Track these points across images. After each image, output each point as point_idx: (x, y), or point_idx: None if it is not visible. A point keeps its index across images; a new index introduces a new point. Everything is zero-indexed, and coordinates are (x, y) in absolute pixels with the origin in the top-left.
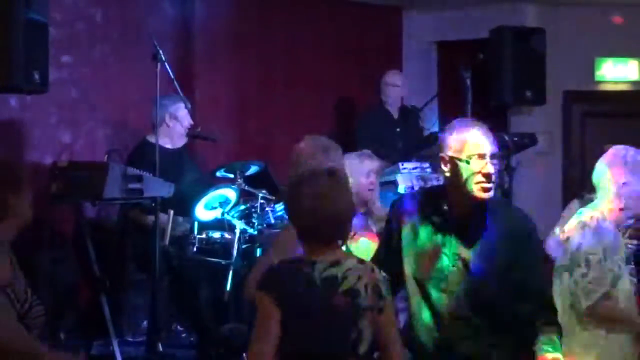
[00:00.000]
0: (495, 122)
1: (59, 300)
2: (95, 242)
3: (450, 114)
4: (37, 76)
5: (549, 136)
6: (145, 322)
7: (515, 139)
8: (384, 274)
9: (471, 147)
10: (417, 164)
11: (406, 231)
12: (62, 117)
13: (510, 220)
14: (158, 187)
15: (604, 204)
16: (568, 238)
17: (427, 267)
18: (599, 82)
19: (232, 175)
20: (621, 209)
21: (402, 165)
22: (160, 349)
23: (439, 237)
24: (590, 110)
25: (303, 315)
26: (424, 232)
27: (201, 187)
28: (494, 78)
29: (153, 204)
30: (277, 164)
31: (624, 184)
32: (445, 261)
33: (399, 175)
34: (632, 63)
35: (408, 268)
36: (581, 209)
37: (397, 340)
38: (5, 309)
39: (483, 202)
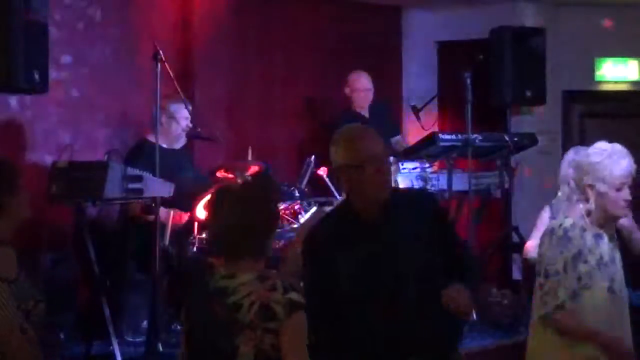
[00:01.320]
0: (495, 122)
1: (59, 300)
2: (95, 242)
3: (450, 114)
4: (37, 76)
5: (549, 136)
6: (145, 322)
7: (515, 139)
8: (291, 296)
9: (361, 151)
10: (417, 164)
11: (328, 258)
12: (62, 117)
13: (417, 205)
14: (158, 187)
15: (578, 207)
16: (541, 244)
17: (360, 281)
18: (599, 82)
19: (232, 176)
20: (595, 211)
21: (402, 165)
22: (160, 349)
23: (359, 251)
24: (590, 110)
25: (197, 323)
26: (345, 251)
27: (199, 187)
28: (494, 78)
29: (153, 204)
30: (276, 164)
31: (589, 185)
32: (374, 269)
33: (399, 175)
34: (632, 63)
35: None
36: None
37: None
38: (12, 319)
39: (387, 201)
